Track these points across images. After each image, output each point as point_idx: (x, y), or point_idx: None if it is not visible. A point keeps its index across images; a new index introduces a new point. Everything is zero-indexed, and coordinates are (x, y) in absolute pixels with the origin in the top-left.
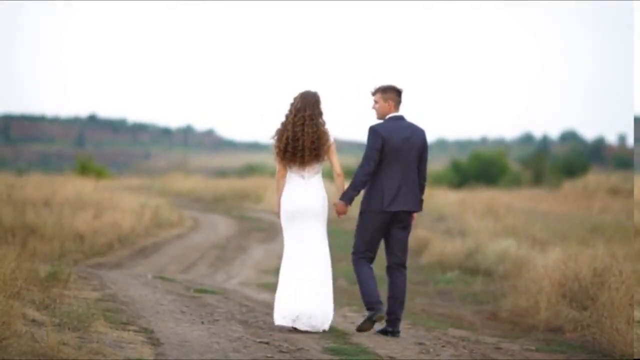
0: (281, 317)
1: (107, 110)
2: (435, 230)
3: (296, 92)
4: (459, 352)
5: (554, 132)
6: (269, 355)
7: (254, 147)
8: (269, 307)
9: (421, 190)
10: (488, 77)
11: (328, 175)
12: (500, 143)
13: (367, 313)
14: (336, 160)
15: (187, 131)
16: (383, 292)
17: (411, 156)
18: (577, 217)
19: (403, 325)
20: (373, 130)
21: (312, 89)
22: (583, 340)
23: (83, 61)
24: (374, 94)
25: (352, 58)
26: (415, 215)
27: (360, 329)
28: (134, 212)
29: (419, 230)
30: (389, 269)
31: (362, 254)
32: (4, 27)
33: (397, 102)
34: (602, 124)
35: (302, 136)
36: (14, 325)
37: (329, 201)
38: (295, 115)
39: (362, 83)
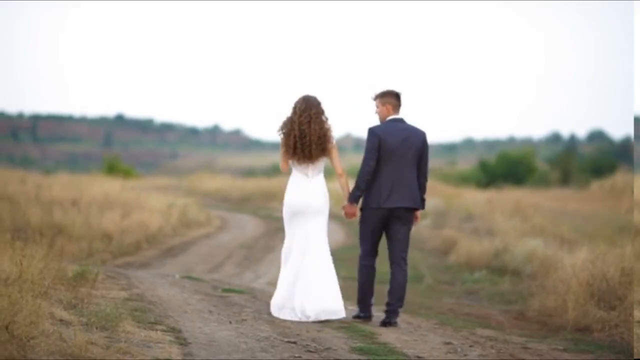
0: (277, 308)
1: (135, 110)
2: (462, 230)
3: (311, 93)
4: (486, 352)
5: (582, 132)
6: (296, 355)
7: None
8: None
9: (422, 189)
10: (516, 76)
11: (330, 174)
12: (527, 142)
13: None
14: (337, 161)
15: (215, 131)
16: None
17: (409, 156)
18: (605, 216)
19: (430, 325)
20: (371, 132)
21: (311, 94)
22: (611, 340)
23: (111, 61)
24: (374, 99)
25: (379, 57)
26: (418, 213)
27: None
28: (161, 212)
29: (446, 230)
30: (391, 264)
31: (365, 247)
32: (32, 27)
33: (396, 106)
34: (630, 124)
35: (309, 132)
36: (42, 324)
37: (330, 200)
38: (300, 115)
39: (390, 83)
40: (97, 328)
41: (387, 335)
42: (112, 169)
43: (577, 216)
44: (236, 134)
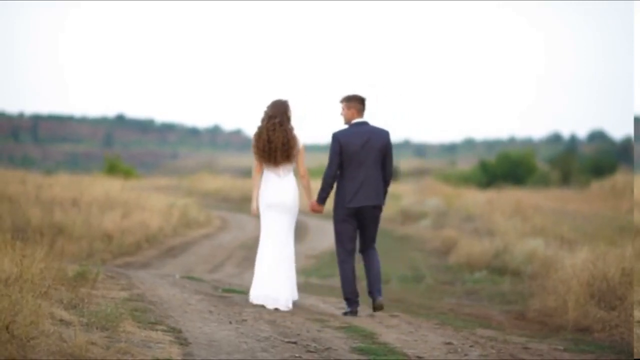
0: (254, 296)
1: (135, 110)
2: (463, 230)
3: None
4: (486, 352)
5: (582, 132)
6: (296, 355)
7: None
8: (298, 306)
9: (387, 184)
10: (516, 76)
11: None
12: (528, 143)
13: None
14: (302, 163)
15: (215, 131)
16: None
17: (371, 157)
18: (605, 217)
19: (430, 325)
20: (333, 137)
21: (283, 98)
22: (611, 340)
23: (111, 61)
24: (341, 102)
25: (380, 58)
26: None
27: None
28: (161, 212)
29: (447, 230)
30: (362, 252)
31: (341, 247)
32: (32, 27)
33: (360, 110)
34: (630, 124)
35: (274, 139)
36: (42, 325)
37: (300, 197)
38: (268, 122)
39: (390, 83)
40: (97, 328)
41: (388, 335)
42: (112, 169)
43: (577, 216)
44: (237, 134)
